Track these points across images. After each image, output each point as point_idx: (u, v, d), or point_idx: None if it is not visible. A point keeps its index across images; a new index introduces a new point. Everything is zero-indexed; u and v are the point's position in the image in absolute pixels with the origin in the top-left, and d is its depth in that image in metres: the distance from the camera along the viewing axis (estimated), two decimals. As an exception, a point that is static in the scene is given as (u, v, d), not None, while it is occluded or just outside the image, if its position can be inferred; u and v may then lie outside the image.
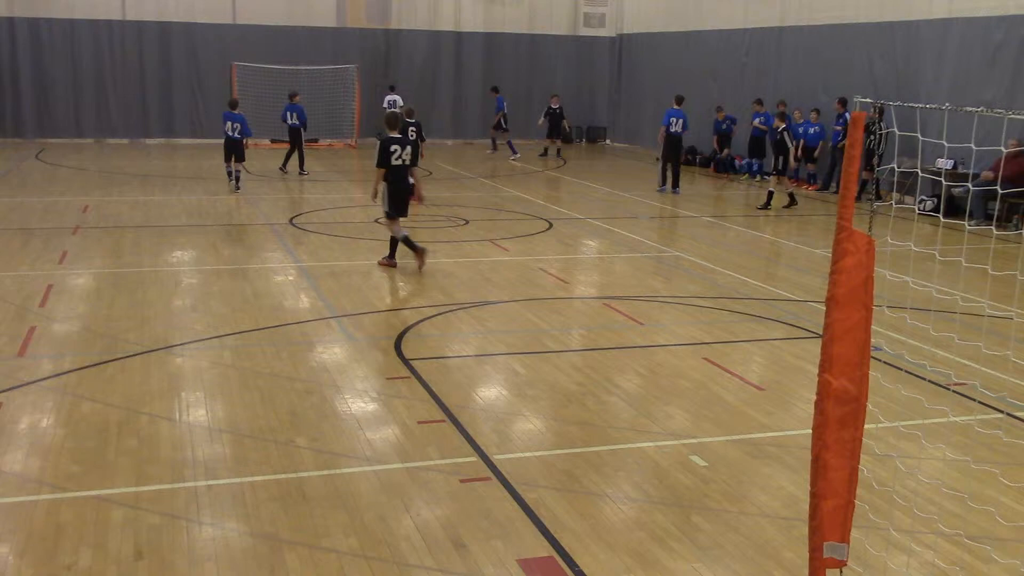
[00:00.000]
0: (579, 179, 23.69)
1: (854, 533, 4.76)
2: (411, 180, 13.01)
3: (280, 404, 7.95)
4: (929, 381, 8.45)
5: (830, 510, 4.51)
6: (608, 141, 33.04)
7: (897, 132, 4.62)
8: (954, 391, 8.41)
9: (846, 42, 22.29)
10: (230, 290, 11.76)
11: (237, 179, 20.11)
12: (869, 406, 4.54)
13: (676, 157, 21.48)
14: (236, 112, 20.29)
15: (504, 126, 28.17)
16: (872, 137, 13.25)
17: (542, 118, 28.18)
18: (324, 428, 7.48)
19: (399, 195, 12.69)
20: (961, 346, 9.05)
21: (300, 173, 22.58)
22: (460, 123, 31.63)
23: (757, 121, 23.36)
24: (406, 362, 9.12)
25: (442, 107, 31.26)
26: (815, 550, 4.58)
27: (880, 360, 8.39)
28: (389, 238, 13.28)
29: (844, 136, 21.12)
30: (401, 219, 13.08)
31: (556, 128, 27.73)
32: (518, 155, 27.42)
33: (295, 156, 22.86)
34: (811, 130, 22.25)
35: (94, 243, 14.41)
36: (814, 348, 9.71)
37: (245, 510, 6.10)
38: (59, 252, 13.65)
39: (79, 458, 6.79)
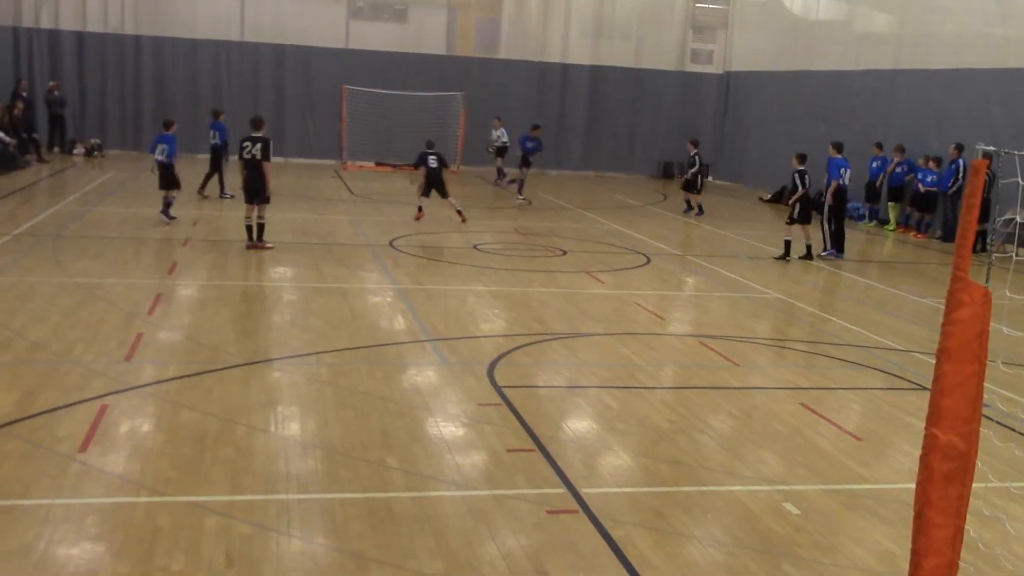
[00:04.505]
0: (680, 216, 23.51)
1: (956, 596, 4.57)
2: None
3: (373, 423, 8.04)
4: (1040, 442, 8.09)
5: (931, 569, 4.34)
6: (711, 179, 32.70)
7: (1021, 182, 4.47)
8: (1067, 454, 8.02)
9: (962, 88, 21.67)
10: (329, 308, 11.98)
11: (168, 206, 17.44)
12: (978, 464, 4.37)
13: (843, 214, 18.63)
14: (167, 133, 17.74)
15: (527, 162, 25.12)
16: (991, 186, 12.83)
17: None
18: (415, 450, 7.54)
19: (247, 184, 15.48)
20: (1076, 407, 8.65)
21: (221, 196, 21.05)
22: (563, 154, 31.75)
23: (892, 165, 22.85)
24: (498, 389, 9.13)
25: (546, 138, 31.35)
26: (913, 610, 4.41)
27: (992, 418, 8.08)
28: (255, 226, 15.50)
29: (954, 183, 20.52)
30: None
31: (691, 180, 23.38)
32: (507, 182, 26.45)
33: (216, 178, 21.24)
34: (929, 178, 21.60)
35: (202, 256, 14.86)
36: (915, 400, 9.42)
37: (334, 526, 6.17)
38: (169, 263, 14.11)
39: (177, 464, 6.97)
